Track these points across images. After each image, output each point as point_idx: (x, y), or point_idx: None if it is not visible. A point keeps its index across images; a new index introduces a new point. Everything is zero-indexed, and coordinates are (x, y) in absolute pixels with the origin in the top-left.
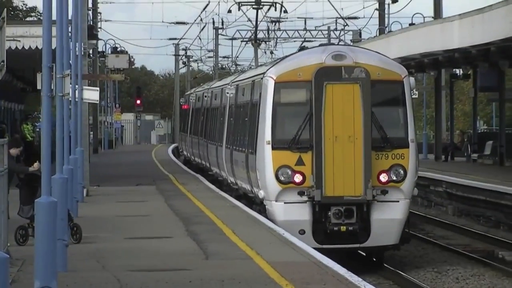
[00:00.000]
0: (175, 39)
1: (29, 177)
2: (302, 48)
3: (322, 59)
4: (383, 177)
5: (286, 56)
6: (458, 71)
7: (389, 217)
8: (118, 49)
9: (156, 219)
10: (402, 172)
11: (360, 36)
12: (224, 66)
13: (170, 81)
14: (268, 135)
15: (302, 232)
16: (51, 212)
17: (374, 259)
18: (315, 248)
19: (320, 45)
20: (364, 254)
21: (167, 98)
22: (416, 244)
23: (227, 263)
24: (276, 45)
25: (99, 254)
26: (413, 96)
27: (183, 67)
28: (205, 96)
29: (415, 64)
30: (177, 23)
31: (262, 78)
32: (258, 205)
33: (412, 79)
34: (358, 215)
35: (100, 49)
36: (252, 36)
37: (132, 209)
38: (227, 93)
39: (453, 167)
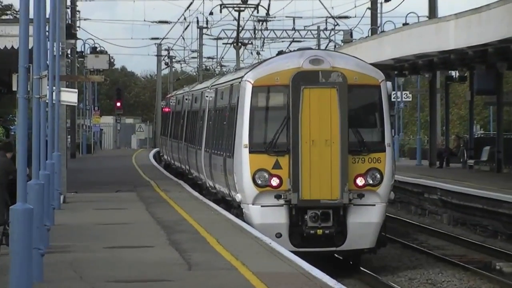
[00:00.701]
0: (158, 38)
1: (10, 181)
2: (280, 53)
3: (300, 64)
4: (360, 181)
5: (264, 60)
6: (454, 73)
7: (365, 221)
8: (98, 49)
9: (136, 227)
10: (378, 176)
11: (351, 36)
12: (208, 67)
13: (152, 83)
14: (245, 139)
15: (278, 235)
16: (26, 220)
17: (351, 263)
18: (291, 252)
19: (298, 49)
20: (341, 257)
21: (149, 100)
22: (410, 254)
23: (211, 274)
24: (263, 45)
25: (76, 263)
26: (405, 99)
27: (166, 68)
28: (186, 99)
29: (409, 65)
30: (160, 22)
31: (240, 82)
32: (236, 208)
33: (389, 83)
34: (334, 219)
35: (78, 49)
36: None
37: (112, 217)
38: (207, 96)
39: (448, 174)
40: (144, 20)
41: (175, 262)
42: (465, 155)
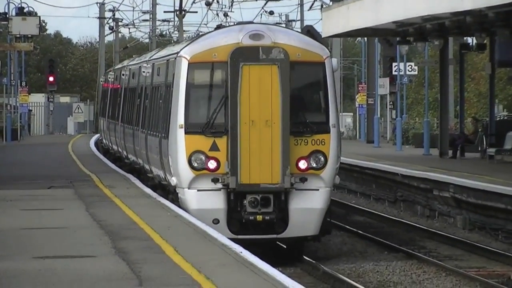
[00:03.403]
0: None
1: None
2: (218, 27)
3: (239, 39)
4: (302, 164)
5: (202, 35)
6: (471, 40)
7: (308, 207)
8: (26, 10)
9: (74, 232)
10: (322, 159)
11: None
12: (164, 33)
13: (93, 53)
14: (180, 119)
15: (216, 221)
16: None
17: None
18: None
19: (238, 23)
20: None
21: (89, 74)
22: (416, 265)
23: None
24: (232, 4)
25: None
26: (409, 73)
27: (110, 33)
28: (123, 75)
29: (415, 30)
30: None
31: (175, 58)
32: (172, 193)
33: (334, 60)
34: (275, 204)
35: (1, 10)
36: None
37: (43, 219)
38: (143, 72)
39: (463, 166)
40: None
41: (122, 276)
42: (484, 142)
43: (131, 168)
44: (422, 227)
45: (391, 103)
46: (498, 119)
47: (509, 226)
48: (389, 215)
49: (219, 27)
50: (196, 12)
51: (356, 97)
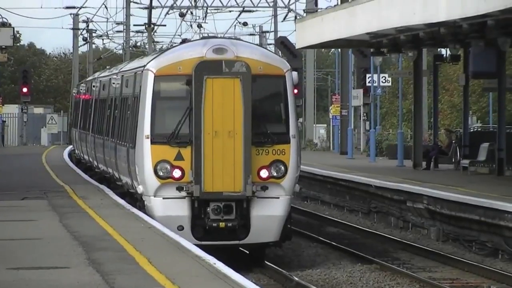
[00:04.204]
0: (74, 8)
1: None
2: (184, 41)
3: (203, 53)
4: (264, 173)
5: (168, 49)
6: (445, 52)
7: (269, 214)
8: None
9: (48, 244)
10: (282, 168)
11: (316, 5)
12: (138, 44)
13: (67, 63)
14: (147, 129)
15: (180, 228)
16: None
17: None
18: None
19: (202, 38)
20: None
21: (63, 85)
22: (390, 277)
23: None
24: (205, 16)
25: None
26: (383, 84)
27: (84, 44)
28: (94, 86)
29: (389, 41)
30: None
31: (142, 71)
32: (139, 201)
33: (294, 73)
34: (237, 211)
35: None
36: (175, 5)
37: (16, 230)
38: (113, 83)
39: (437, 177)
40: None
41: (96, 287)
42: (458, 153)
43: (101, 177)
44: (396, 238)
45: (364, 114)
46: (472, 130)
47: (483, 237)
48: (363, 227)
49: (184, 41)
50: (165, 25)
51: (330, 108)
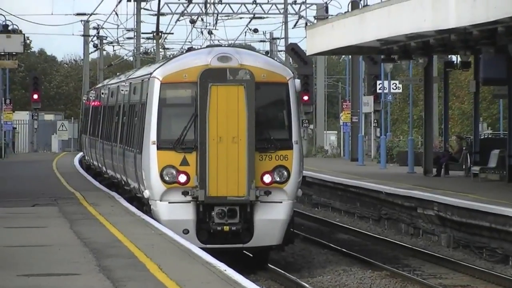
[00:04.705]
0: (84, 14)
1: None
2: (189, 49)
3: (208, 61)
4: (267, 178)
5: (174, 57)
6: (455, 59)
7: (272, 218)
8: (10, 28)
9: (58, 250)
10: (285, 173)
11: (327, 12)
12: (148, 50)
13: (78, 70)
14: (153, 135)
15: (186, 231)
16: None
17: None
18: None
19: (207, 46)
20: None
21: (73, 92)
22: (401, 284)
23: None
24: (216, 23)
25: None
26: (394, 91)
27: (95, 51)
28: (103, 93)
29: (399, 48)
30: None
31: (149, 78)
32: (146, 205)
33: (297, 81)
34: (241, 215)
35: None
36: (185, 11)
37: (27, 237)
38: (121, 90)
39: (447, 184)
40: None
41: None
42: (469, 160)
43: (109, 182)
44: (406, 245)
45: (375, 121)
46: (482, 137)
47: (493, 244)
48: (373, 233)
49: (190, 49)
50: (173, 33)
51: (340, 115)
